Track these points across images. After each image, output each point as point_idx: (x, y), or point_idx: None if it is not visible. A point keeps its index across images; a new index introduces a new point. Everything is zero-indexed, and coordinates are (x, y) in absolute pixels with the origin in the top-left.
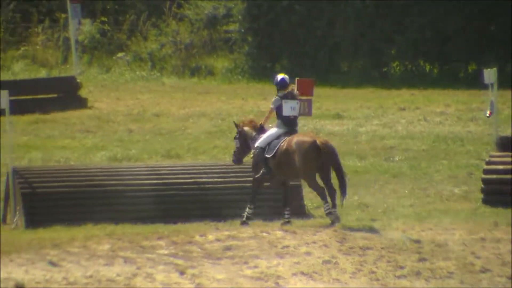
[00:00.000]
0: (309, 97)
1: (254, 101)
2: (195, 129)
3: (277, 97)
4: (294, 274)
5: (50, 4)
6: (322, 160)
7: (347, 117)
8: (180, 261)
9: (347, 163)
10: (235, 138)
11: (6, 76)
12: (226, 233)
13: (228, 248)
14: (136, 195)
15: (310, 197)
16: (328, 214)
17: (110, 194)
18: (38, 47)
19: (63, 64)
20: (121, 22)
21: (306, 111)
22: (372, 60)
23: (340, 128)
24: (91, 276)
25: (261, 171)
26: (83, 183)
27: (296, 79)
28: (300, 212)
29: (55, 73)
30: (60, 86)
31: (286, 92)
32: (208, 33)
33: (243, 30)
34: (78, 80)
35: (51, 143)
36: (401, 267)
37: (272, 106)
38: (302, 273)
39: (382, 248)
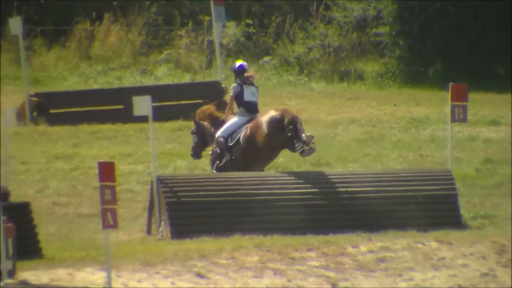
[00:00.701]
0: (463, 103)
1: (407, 107)
2: (344, 136)
3: (235, 84)
4: None
5: (193, 6)
6: (287, 130)
7: (504, 123)
8: (331, 273)
9: (505, 171)
10: (191, 133)
11: (149, 81)
12: (379, 244)
13: (382, 260)
14: (285, 205)
15: (466, 207)
16: (301, 152)
17: (258, 204)
18: (181, 50)
19: (207, 69)
20: (267, 25)
21: (461, 117)
22: None
23: (497, 135)
24: None
25: (224, 160)
26: (230, 192)
27: (450, 84)
28: (456, 222)
29: (199, 78)
30: (204, 91)
31: (244, 78)
32: (357, 36)
33: (393, 33)
34: (223, 85)
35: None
36: None
37: (231, 94)
38: (459, 286)
39: None
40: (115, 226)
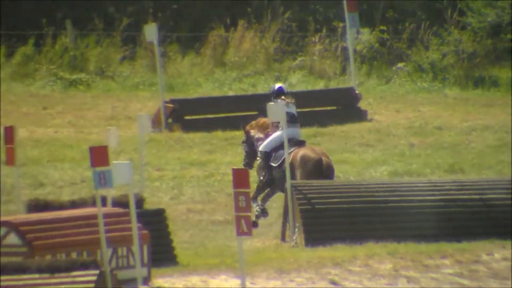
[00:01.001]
0: None
1: None
2: (479, 142)
3: (271, 102)
4: None
5: (327, 12)
6: (321, 178)
7: None
8: (465, 281)
9: None
10: (242, 142)
11: None
12: None
13: None
14: (419, 212)
15: None
16: None
17: (392, 211)
18: (315, 57)
19: (341, 75)
20: (401, 31)
21: None
22: None
23: None
24: None
25: (260, 178)
26: (364, 199)
27: None
28: None
29: (333, 84)
30: (338, 98)
31: (281, 99)
32: (491, 42)
33: None
34: (357, 92)
35: (330, 157)
36: None
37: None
38: None
39: None
40: (249, 233)
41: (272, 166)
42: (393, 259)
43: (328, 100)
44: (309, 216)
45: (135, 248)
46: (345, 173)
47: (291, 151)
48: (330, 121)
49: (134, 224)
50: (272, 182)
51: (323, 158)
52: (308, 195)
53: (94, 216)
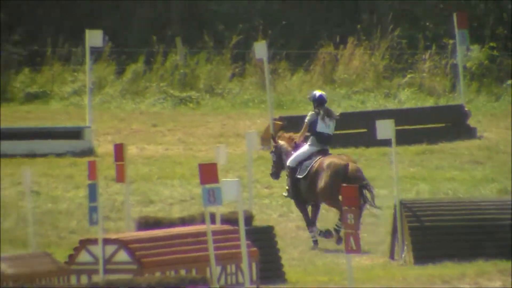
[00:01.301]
0: None
1: None
2: None
3: (312, 112)
4: None
5: (437, 29)
6: (348, 182)
7: None
8: None
9: None
10: (271, 152)
11: (393, 105)
12: None
13: None
14: None
15: None
16: (336, 231)
17: (501, 229)
18: (424, 74)
19: (451, 92)
20: (511, 48)
21: None
22: None
23: None
24: None
25: (284, 194)
26: (473, 217)
27: None
28: None
29: (442, 102)
30: (448, 115)
31: (323, 108)
32: None
33: None
34: (466, 109)
35: (439, 175)
36: None
37: (306, 121)
38: None
39: None
40: (358, 250)
41: (298, 178)
42: (502, 277)
43: (438, 117)
44: (418, 233)
45: (244, 265)
46: (454, 190)
47: (317, 159)
48: (439, 138)
49: (243, 241)
50: (299, 195)
51: (350, 163)
52: (417, 213)
53: (203, 233)
